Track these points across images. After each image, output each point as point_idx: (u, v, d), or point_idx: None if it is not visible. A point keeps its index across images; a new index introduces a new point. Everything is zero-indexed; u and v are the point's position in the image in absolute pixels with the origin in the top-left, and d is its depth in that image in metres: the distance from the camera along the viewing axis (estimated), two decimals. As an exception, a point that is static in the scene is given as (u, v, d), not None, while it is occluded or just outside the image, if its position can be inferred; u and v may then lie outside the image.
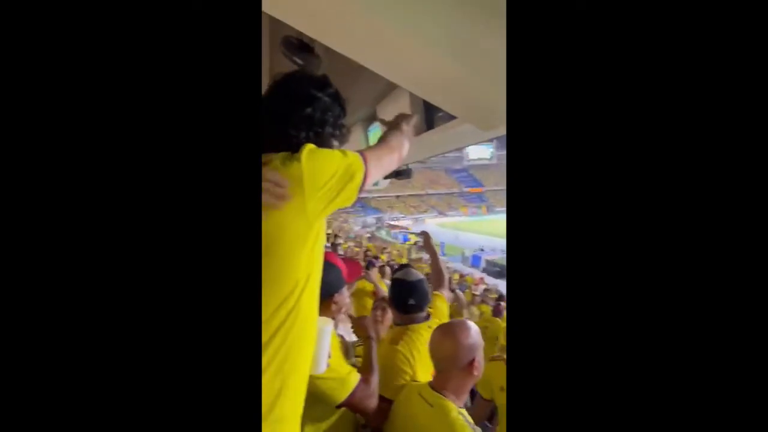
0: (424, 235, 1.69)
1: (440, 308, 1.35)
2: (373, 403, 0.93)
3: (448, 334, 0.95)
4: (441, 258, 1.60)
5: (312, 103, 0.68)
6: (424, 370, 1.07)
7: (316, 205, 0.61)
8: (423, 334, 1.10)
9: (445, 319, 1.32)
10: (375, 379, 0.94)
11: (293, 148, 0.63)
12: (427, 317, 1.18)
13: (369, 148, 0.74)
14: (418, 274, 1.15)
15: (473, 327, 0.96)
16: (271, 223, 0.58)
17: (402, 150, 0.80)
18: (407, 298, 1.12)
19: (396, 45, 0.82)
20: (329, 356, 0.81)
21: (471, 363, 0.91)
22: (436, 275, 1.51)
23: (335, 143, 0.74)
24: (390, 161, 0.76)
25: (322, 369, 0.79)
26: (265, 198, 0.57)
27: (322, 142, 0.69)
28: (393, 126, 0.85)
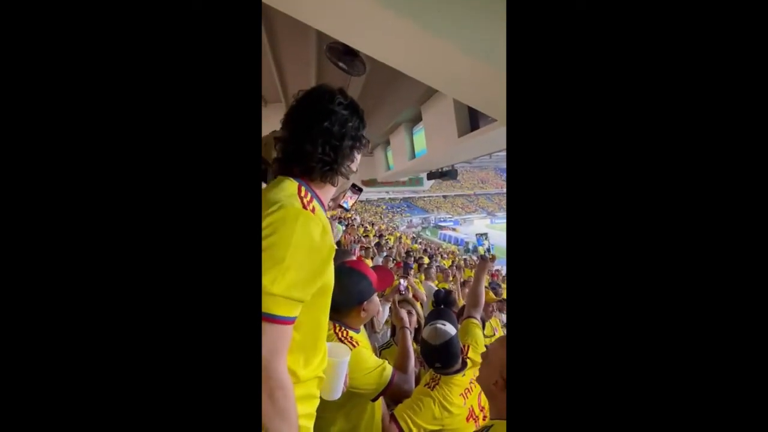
0: (484, 261, 1.70)
1: (475, 334, 1.42)
2: (411, 386, 1.01)
3: None
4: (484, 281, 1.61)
5: (329, 117, 0.68)
6: (452, 418, 1.09)
7: None
8: (456, 384, 1.14)
9: (481, 344, 1.38)
10: (411, 364, 1.04)
11: (312, 164, 0.66)
12: (461, 368, 1.18)
13: None
14: (444, 334, 1.14)
15: None
16: None
17: None
18: (434, 361, 1.17)
19: (432, 50, 0.80)
20: (345, 385, 0.82)
21: None
22: (474, 298, 1.53)
23: (356, 155, 0.73)
24: None
25: (336, 396, 0.79)
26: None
27: (342, 156, 0.69)
28: None
